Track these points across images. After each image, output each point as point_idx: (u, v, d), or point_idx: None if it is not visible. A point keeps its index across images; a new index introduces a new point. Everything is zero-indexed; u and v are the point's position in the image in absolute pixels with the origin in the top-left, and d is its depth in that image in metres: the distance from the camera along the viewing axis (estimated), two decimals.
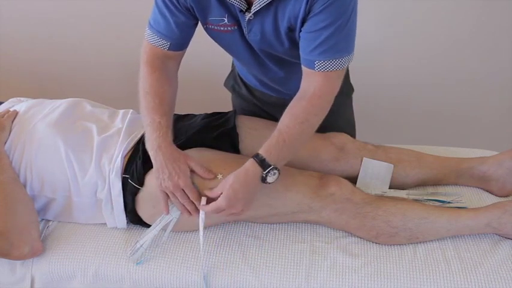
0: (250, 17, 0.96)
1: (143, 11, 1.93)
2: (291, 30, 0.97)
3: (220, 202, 0.95)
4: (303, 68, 1.00)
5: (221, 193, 0.96)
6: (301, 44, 0.98)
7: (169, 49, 1.07)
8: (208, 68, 1.89)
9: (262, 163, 0.95)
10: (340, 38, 0.94)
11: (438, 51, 1.88)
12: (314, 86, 0.98)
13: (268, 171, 0.95)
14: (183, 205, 1.01)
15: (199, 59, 2.00)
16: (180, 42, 1.08)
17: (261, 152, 0.96)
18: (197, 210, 1.01)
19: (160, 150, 1.00)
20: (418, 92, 2.00)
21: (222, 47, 1.14)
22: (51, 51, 2.12)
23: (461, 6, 1.76)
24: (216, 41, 1.10)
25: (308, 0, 0.90)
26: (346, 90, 1.37)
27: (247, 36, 1.02)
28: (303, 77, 1.02)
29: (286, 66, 1.14)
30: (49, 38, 2.08)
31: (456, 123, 2.06)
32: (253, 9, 0.94)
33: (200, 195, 1.01)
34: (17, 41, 2.11)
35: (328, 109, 1.01)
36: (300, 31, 0.96)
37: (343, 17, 0.91)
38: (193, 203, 1.00)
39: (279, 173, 0.97)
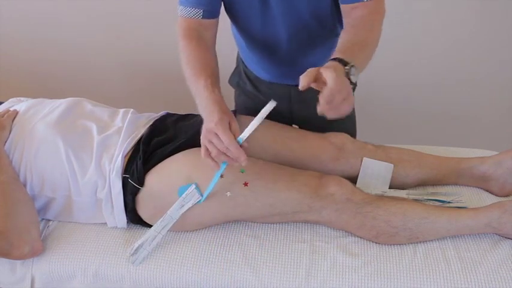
0: None
1: (143, 11, 1.95)
2: None
3: (331, 83, 0.80)
4: (347, 6, 1.01)
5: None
6: None
7: (203, 17, 1.09)
8: None
9: (341, 61, 0.87)
10: None
11: (438, 51, 1.88)
12: (364, 11, 0.98)
13: (350, 68, 0.86)
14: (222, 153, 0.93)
15: None
16: (211, 9, 1.10)
17: (335, 55, 0.89)
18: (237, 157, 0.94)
19: (213, 105, 0.96)
20: (418, 92, 2.00)
21: (233, 7, 1.13)
22: (51, 51, 2.12)
23: (461, 6, 1.76)
24: (232, 7, 1.11)
25: None
26: None
27: None
28: (347, 17, 1.02)
29: (301, 26, 1.13)
30: (49, 38, 2.08)
31: (456, 123, 2.06)
32: None
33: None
34: (17, 41, 2.11)
35: (381, 30, 0.99)
36: None
37: None
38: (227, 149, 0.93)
39: (358, 74, 0.88)
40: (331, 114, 0.85)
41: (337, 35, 1.18)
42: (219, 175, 1.00)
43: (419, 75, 1.96)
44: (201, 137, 0.97)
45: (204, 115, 0.98)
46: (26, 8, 2.02)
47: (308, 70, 0.84)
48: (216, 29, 1.15)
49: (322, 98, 0.82)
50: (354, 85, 0.88)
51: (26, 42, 2.11)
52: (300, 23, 1.12)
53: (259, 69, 1.32)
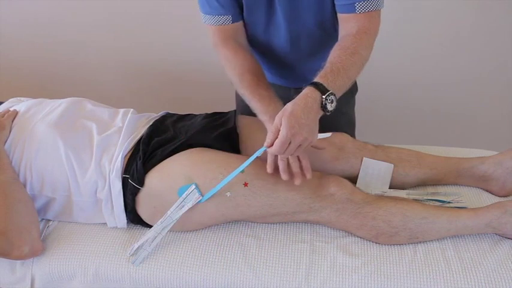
0: None
1: (143, 11, 1.95)
2: None
3: (282, 133, 0.88)
4: (342, 16, 1.02)
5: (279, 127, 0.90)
6: None
7: (232, 22, 1.12)
8: (209, 68, 1.89)
9: (321, 88, 0.92)
10: None
11: (438, 51, 1.88)
12: (357, 25, 1.00)
13: (327, 96, 0.91)
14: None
15: (200, 59, 2.00)
16: (237, 12, 1.12)
17: (317, 79, 0.93)
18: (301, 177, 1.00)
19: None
20: (418, 92, 2.00)
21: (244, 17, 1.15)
22: (51, 51, 2.12)
23: (461, 6, 1.76)
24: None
25: None
26: (351, 89, 1.37)
27: None
28: (341, 25, 1.04)
29: (304, 33, 1.14)
30: (49, 38, 2.08)
31: (456, 123, 2.07)
32: None
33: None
34: (17, 41, 2.11)
35: (372, 48, 1.02)
36: None
37: None
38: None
39: (336, 102, 0.93)
40: (283, 155, 0.92)
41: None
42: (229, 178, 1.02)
43: (420, 75, 1.96)
44: (287, 129, 0.90)
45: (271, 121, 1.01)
46: (26, 8, 2.02)
47: (269, 132, 0.91)
48: (245, 30, 1.17)
49: (275, 145, 0.89)
50: (330, 112, 0.93)
51: (26, 42, 2.11)
52: (304, 31, 1.12)
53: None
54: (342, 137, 1.23)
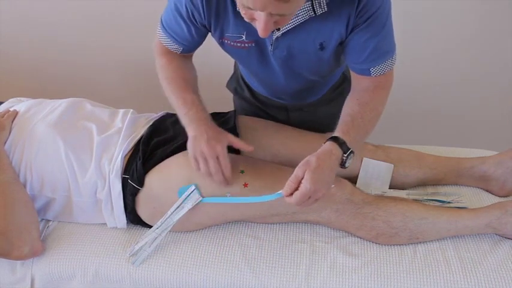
0: (279, 35, 0.96)
1: (143, 11, 1.95)
2: (322, 48, 0.98)
3: (306, 187, 0.87)
4: (357, 75, 1.02)
5: (301, 179, 0.88)
6: (348, 57, 1.00)
7: (181, 52, 1.10)
8: (209, 68, 1.89)
9: (343, 146, 0.93)
10: (386, 42, 0.98)
11: (438, 51, 1.88)
12: (374, 83, 1.01)
13: (348, 154, 0.93)
14: (211, 175, 0.98)
15: (200, 59, 2.00)
16: (191, 47, 1.10)
17: (339, 135, 0.94)
18: (225, 181, 0.99)
19: (202, 121, 1.00)
20: (418, 92, 2.00)
21: (234, 59, 1.14)
22: (51, 51, 2.12)
23: (462, 6, 1.76)
24: (228, 53, 1.10)
25: (348, 24, 0.92)
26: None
27: (271, 53, 1.01)
28: (355, 80, 1.04)
29: (301, 80, 1.14)
30: (49, 38, 2.08)
31: (456, 123, 2.06)
32: (284, 28, 0.94)
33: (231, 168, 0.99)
34: (17, 41, 2.11)
35: (387, 102, 1.04)
36: (335, 49, 0.98)
37: (384, 25, 0.95)
38: (222, 173, 0.98)
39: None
40: (298, 207, 0.91)
41: (336, 74, 1.21)
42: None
43: (420, 75, 1.95)
44: (196, 149, 0.98)
45: (192, 125, 1.00)
46: (26, 8, 2.02)
47: (290, 180, 0.89)
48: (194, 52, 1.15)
49: (295, 197, 0.87)
50: (346, 168, 0.95)
51: (26, 42, 2.11)
52: (300, 78, 1.12)
53: (256, 84, 1.32)
54: None
